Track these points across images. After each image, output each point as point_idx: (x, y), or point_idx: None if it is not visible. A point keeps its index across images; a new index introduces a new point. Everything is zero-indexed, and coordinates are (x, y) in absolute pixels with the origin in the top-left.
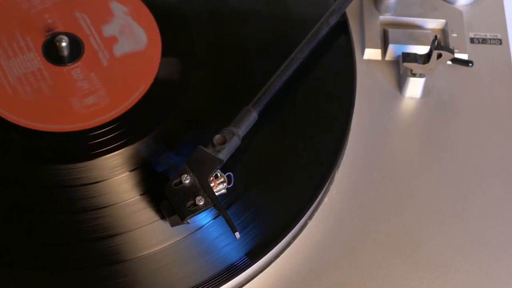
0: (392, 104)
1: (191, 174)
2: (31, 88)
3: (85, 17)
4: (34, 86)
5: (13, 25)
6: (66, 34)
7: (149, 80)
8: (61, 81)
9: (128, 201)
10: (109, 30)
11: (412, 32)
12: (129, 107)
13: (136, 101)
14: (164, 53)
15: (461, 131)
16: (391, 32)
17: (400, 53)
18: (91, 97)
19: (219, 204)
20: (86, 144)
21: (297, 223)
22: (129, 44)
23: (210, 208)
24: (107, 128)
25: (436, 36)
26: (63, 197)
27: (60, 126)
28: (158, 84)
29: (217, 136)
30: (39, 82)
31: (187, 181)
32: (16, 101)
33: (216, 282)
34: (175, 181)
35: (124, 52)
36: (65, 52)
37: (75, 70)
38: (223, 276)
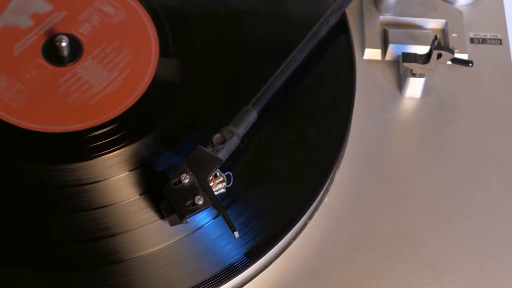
0: (392, 104)
1: (190, 174)
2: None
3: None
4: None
5: None
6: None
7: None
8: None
9: (128, 200)
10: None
11: (412, 32)
12: (129, 106)
13: (135, 100)
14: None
15: (461, 131)
16: (391, 32)
17: (400, 53)
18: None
19: (218, 204)
20: (86, 144)
21: (297, 223)
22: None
23: (210, 208)
24: (106, 128)
25: (436, 36)
26: (63, 197)
27: (60, 127)
28: (157, 84)
29: (217, 136)
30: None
31: (187, 181)
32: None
33: (215, 282)
34: (175, 180)
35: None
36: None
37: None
38: (222, 276)
